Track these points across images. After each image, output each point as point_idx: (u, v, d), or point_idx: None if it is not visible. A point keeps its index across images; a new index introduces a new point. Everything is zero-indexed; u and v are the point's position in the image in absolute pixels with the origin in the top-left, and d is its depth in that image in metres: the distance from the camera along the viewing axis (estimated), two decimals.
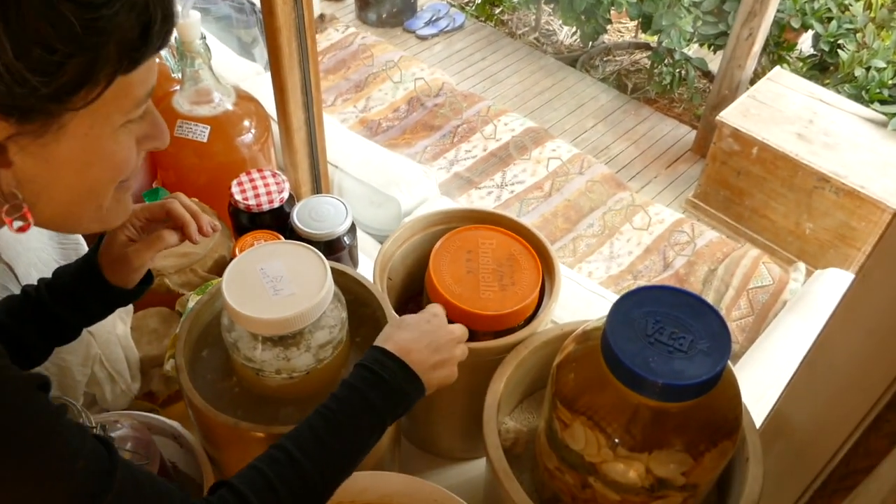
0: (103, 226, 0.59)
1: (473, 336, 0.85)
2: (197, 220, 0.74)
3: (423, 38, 3.64)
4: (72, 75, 0.46)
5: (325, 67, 2.64)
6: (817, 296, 1.66)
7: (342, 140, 1.74)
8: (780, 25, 3.07)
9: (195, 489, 0.86)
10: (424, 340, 0.70)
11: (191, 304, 0.83)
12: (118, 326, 0.96)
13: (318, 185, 1.39)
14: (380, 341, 0.70)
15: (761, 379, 1.45)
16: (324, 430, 0.63)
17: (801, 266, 2.13)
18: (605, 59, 3.71)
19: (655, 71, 3.45)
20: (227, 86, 1.14)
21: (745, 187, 2.68)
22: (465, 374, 0.85)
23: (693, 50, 3.48)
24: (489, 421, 0.77)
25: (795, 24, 2.99)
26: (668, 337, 0.63)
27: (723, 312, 2.02)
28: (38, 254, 0.89)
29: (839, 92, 2.77)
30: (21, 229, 0.55)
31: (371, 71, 2.63)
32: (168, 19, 0.51)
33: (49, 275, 0.89)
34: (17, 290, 0.83)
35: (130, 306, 0.99)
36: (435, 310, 0.75)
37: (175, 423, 0.82)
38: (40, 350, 0.75)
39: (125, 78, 0.50)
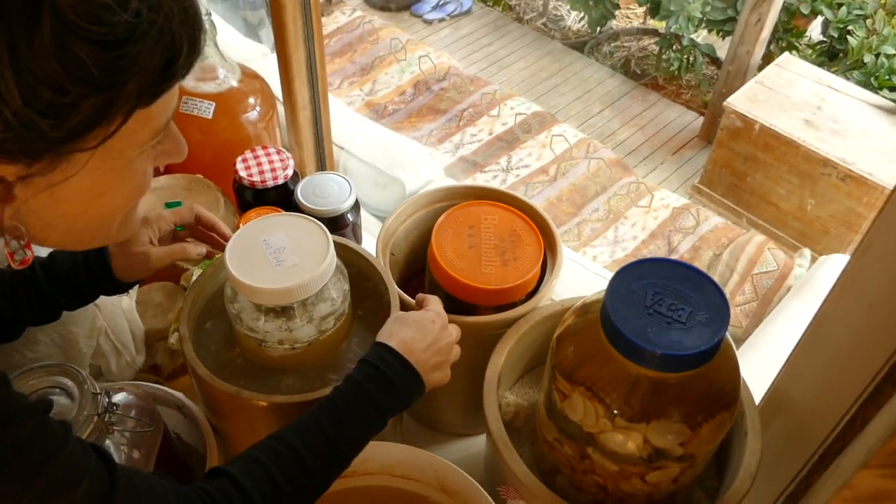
0: (110, 242, 0.58)
1: (475, 311, 0.85)
2: (218, 228, 0.81)
3: (429, 23, 3.63)
4: (85, 116, 0.42)
5: (331, 51, 2.63)
6: (822, 281, 1.66)
7: (348, 122, 1.74)
8: (789, 11, 3.05)
9: (199, 460, 0.87)
10: (426, 341, 0.71)
11: (195, 277, 0.83)
12: (123, 300, 0.97)
13: (323, 164, 1.39)
14: (383, 337, 0.70)
15: (764, 362, 1.45)
16: (327, 423, 0.64)
17: (807, 252, 2.12)
18: (612, 44, 3.69)
19: (663, 57, 3.43)
20: (232, 63, 1.15)
21: (751, 173, 2.67)
22: (467, 350, 0.85)
23: (702, 37, 3.46)
24: (489, 394, 0.77)
25: (805, 9, 2.96)
26: (668, 308, 0.63)
27: (727, 297, 2.02)
28: None
29: (848, 78, 2.75)
30: (23, 263, 0.52)
31: (377, 54, 2.62)
32: (195, 48, 0.47)
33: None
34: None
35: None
36: (437, 309, 0.76)
37: (179, 394, 0.83)
38: (16, 326, 0.75)
39: (144, 111, 0.46)
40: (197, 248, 0.80)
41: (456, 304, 0.84)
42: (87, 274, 0.74)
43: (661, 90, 3.39)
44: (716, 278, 2.16)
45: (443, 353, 0.72)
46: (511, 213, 0.89)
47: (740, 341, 1.66)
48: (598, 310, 0.67)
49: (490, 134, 2.41)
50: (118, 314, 0.95)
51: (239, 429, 0.78)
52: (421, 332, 0.71)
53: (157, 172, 1.18)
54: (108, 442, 0.68)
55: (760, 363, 1.45)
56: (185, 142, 0.57)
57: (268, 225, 0.76)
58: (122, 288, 0.78)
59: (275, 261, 0.73)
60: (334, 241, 0.75)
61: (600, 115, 3.19)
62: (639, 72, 3.51)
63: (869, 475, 0.34)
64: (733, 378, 0.67)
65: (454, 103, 2.49)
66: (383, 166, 1.62)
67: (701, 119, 3.20)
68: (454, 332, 0.75)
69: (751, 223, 2.70)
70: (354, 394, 0.66)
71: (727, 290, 2.09)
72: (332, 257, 0.73)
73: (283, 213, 0.80)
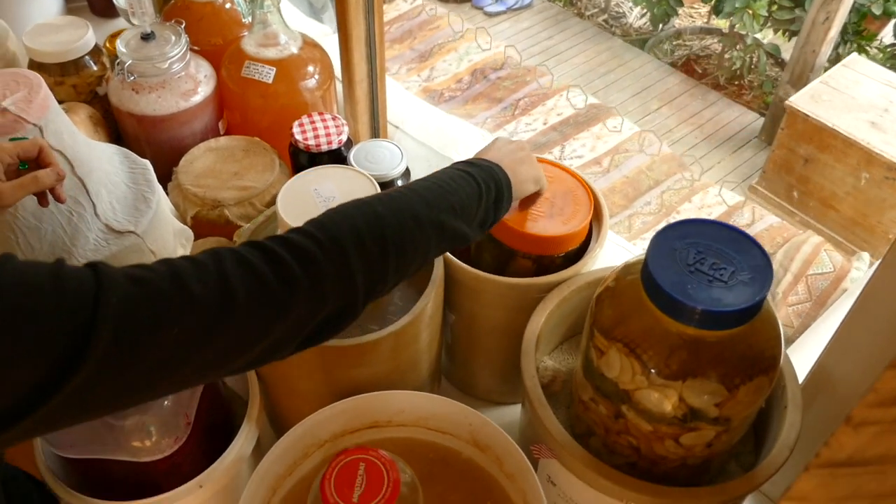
0: None
1: (514, 258, 0.86)
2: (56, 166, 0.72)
3: (490, 15, 3.64)
4: None
5: (391, 37, 2.66)
6: None
7: (404, 102, 1.76)
8: (860, 13, 2.97)
9: (242, 406, 0.89)
10: (506, 149, 0.74)
11: (245, 231, 0.86)
12: (178, 251, 1.00)
13: (377, 137, 1.42)
14: None
15: (813, 361, 1.42)
16: (415, 184, 0.64)
17: (865, 256, 2.06)
18: (674, 42, 3.64)
19: (725, 56, 3.37)
20: (294, 31, 1.18)
21: (812, 176, 2.61)
22: (507, 313, 0.87)
23: (767, 38, 3.39)
24: (527, 352, 0.78)
25: (877, 10, 2.88)
26: (710, 267, 0.63)
27: (779, 297, 1.98)
28: (110, 176, 0.93)
29: None
30: None
31: (436, 42, 2.64)
32: None
33: (117, 195, 0.94)
34: (87, 205, 0.88)
35: (191, 233, 1.04)
36: (522, 144, 0.77)
37: None
38: None
39: None
40: (50, 175, 0.71)
41: (500, 250, 0.85)
42: None
43: (721, 90, 3.34)
44: None
45: (528, 161, 0.75)
46: (567, 174, 0.90)
47: (791, 341, 1.63)
48: (639, 270, 0.67)
49: (545, 124, 2.41)
50: None
51: (282, 374, 0.80)
52: (502, 150, 0.74)
53: (216, 134, 1.22)
54: None
55: (810, 362, 1.42)
56: None
57: (319, 175, 0.78)
58: None
59: (324, 209, 0.75)
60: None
61: (658, 111, 3.16)
62: (700, 71, 3.46)
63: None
64: (774, 344, 0.67)
65: (510, 92, 2.50)
66: (437, 146, 1.64)
67: (762, 120, 3.13)
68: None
69: (809, 226, 2.64)
70: (439, 173, 0.67)
71: (780, 290, 2.04)
72: None
73: (335, 165, 0.83)
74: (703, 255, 0.64)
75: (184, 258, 0.50)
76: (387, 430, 0.79)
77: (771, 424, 0.77)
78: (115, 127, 1.20)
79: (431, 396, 0.76)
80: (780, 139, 2.65)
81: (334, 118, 1.12)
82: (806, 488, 0.33)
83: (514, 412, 1.03)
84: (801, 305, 1.99)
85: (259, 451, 0.80)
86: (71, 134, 0.87)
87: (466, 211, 0.65)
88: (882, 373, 0.28)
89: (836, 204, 2.58)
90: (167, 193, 1.07)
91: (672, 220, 0.78)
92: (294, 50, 1.16)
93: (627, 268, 0.72)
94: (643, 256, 0.69)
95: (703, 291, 0.61)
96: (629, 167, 2.32)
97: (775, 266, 2.10)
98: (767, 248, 2.17)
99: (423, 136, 1.68)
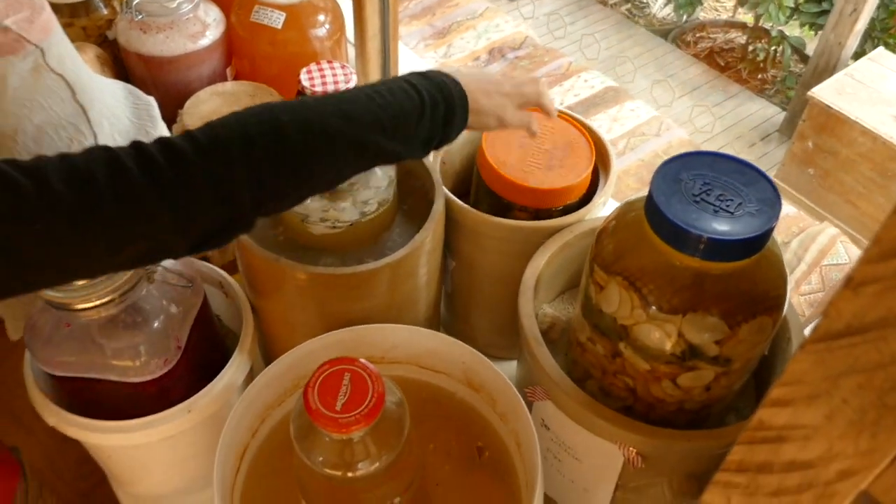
0: None
1: (512, 210, 0.84)
2: None
3: None
4: None
5: (409, 13, 2.65)
6: None
7: (416, 67, 1.75)
8: (888, 9, 2.91)
9: (236, 342, 0.88)
10: (481, 75, 0.66)
11: None
12: None
13: None
14: None
15: None
16: (345, 94, 0.58)
17: None
18: (697, 35, 3.60)
19: (749, 48, 3.33)
20: None
21: (833, 170, 2.56)
22: (508, 259, 0.85)
23: (793, 33, 3.34)
24: (525, 292, 0.76)
25: None
26: (716, 198, 0.61)
27: (791, 286, 1.95)
28: (113, 109, 0.92)
29: None
30: None
31: (455, 19, 2.63)
32: None
33: (119, 129, 0.93)
34: (88, 134, 0.87)
35: None
36: (519, 87, 0.70)
37: (222, 271, 0.85)
38: None
39: None
40: None
41: (497, 202, 0.83)
42: None
43: (744, 83, 3.29)
44: None
45: (503, 86, 0.67)
46: (570, 125, 0.88)
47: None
48: (642, 206, 0.65)
49: (561, 104, 2.38)
50: None
51: (276, 305, 0.79)
52: (479, 77, 0.66)
53: (224, 79, 1.20)
54: (146, 292, 0.70)
55: None
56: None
57: None
58: None
59: None
60: None
61: (678, 100, 3.12)
62: (722, 64, 3.41)
63: None
64: (779, 284, 0.64)
65: (527, 72, 2.47)
66: None
67: (783, 114, 3.09)
68: (536, 85, 0.71)
69: (827, 222, 2.59)
70: (384, 85, 0.60)
71: (793, 279, 2.01)
72: None
73: None
74: (709, 186, 0.62)
75: (61, 156, 0.48)
76: (379, 367, 0.77)
77: (773, 378, 0.75)
78: (124, 70, 1.19)
79: (425, 331, 0.75)
80: (801, 130, 2.60)
81: (342, 66, 1.10)
82: (800, 369, 0.31)
83: (511, 368, 1.01)
84: (814, 295, 1.96)
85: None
86: (73, 60, 0.85)
87: (401, 127, 0.59)
88: (886, 219, 0.25)
89: (855, 199, 2.54)
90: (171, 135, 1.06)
91: None
92: None
93: (629, 205, 0.70)
94: (645, 194, 0.67)
95: (708, 221, 0.59)
96: (645, 150, 2.29)
97: (789, 256, 2.07)
98: (782, 238, 2.13)
99: None
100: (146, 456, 0.77)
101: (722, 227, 0.59)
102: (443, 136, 0.64)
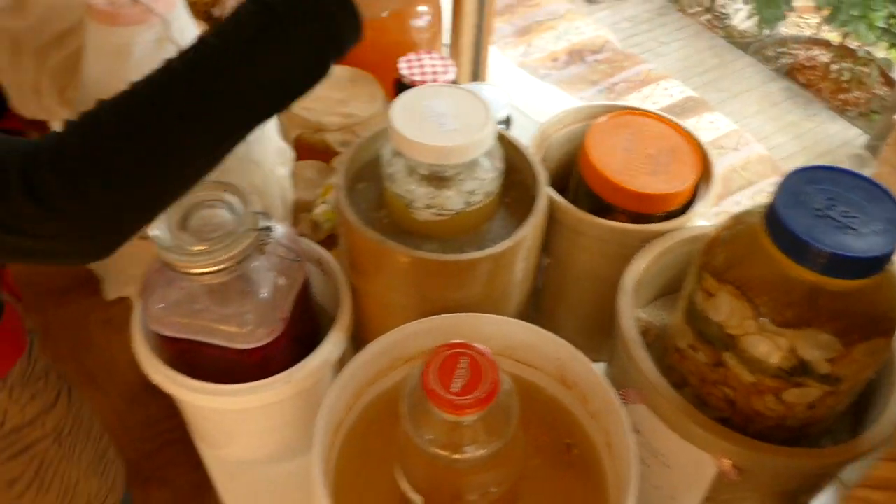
0: None
1: (612, 211, 0.84)
2: None
3: (593, 1, 3.59)
4: None
5: None
6: None
7: (502, 68, 1.75)
8: None
9: (329, 322, 0.90)
10: None
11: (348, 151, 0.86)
12: (278, 168, 1.02)
13: (477, 75, 1.42)
14: None
15: None
16: (175, 70, 0.54)
17: None
18: (778, 50, 3.52)
19: (833, 67, 3.24)
20: None
21: None
22: (604, 260, 0.85)
23: (880, 55, 3.24)
24: (625, 292, 0.76)
25: None
26: (840, 214, 0.60)
27: None
28: None
29: None
30: None
31: (536, 19, 2.62)
32: None
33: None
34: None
35: (291, 152, 1.05)
36: None
37: (321, 248, 0.86)
38: None
39: None
40: None
41: (596, 203, 0.83)
42: None
43: (825, 103, 3.21)
44: None
45: None
46: (675, 130, 0.87)
47: None
48: (753, 220, 0.64)
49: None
50: (271, 179, 1.00)
51: (375, 286, 0.80)
52: None
53: None
54: (257, 263, 0.72)
55: None
56: None
57: (431, 92, 0.78)
58: None
59: (437, 124, 0.74)
60: None
61: (756, 115, 3.06)
62: (803, 81, 3.33)
63: None
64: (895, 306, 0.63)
65: (606, 76, 2.46)
66: (531, 113, 1.62)
67: (865, 137, 3.00)
68: None
69: None
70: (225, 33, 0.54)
71: None
72: (492, 125, 0.74)
73: (447, 84, 0.82)
74: (833, 201, 0.61)
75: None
76: None
77: (873, 405, 0.73)
78: None
79: (523, 324, 0.75)
80: (886, 156, 2.51)
81: (442, 58, 1.11)
82: (889, 476, 0.31)
83: (599, 369, 1.01)
84: None
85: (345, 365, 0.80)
86: (193, 34, 0.88)
87: (260, 73, 0.54)
88: None
89: None
90: None
91: None
92: None
93: (738, 217, 0.69)
94: (754, 208, 0.66)
95: (831, 236, 0.58)
96: (722, 164, 2.26)
97: None
98: None
99: (521, 103, 1.66)
100: (241, 421, 0.79)
101: (846, 242, 0.58)
102: (337, 47, 0.58)
